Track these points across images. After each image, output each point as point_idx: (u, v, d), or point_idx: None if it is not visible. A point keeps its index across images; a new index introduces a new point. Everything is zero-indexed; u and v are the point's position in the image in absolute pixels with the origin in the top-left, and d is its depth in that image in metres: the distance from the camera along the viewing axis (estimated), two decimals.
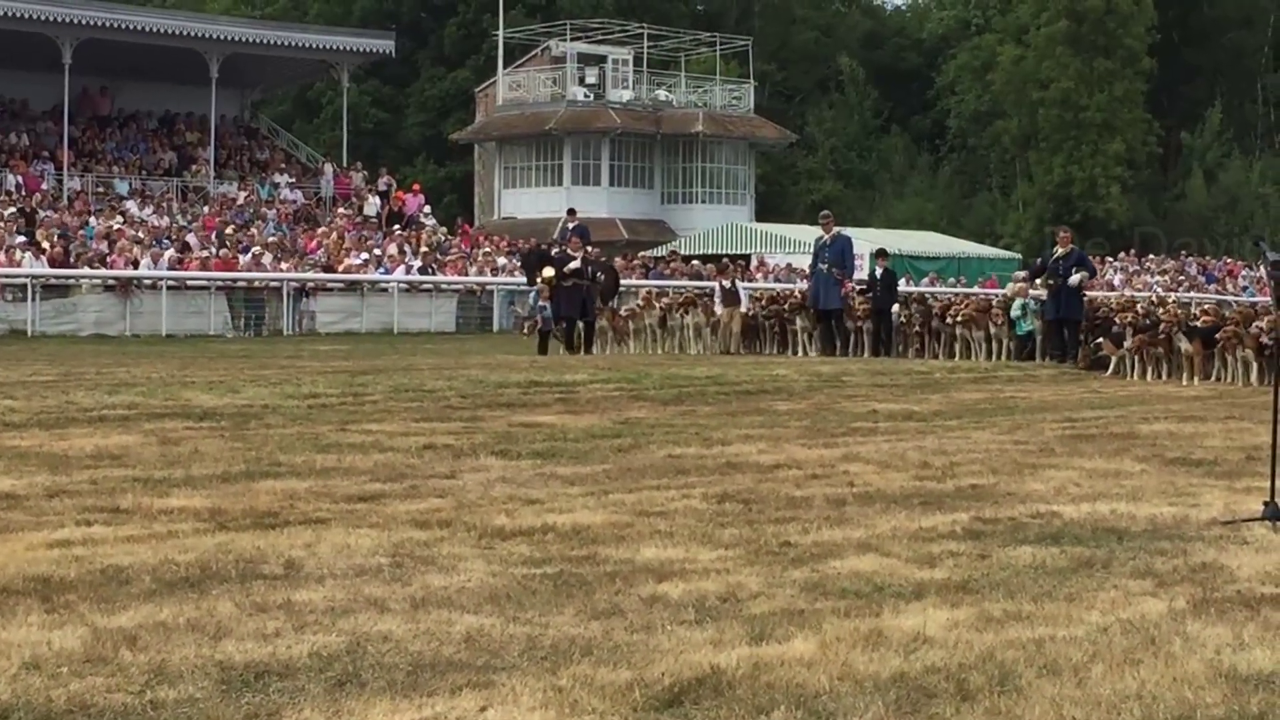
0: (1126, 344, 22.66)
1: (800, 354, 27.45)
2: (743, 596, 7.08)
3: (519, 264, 35.19)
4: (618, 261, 42.39)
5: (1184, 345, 21.84)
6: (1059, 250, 25.68)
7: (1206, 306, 34.23)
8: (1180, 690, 5.55)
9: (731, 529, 8.83)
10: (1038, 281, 26.61)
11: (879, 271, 28.14)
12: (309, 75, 58.92)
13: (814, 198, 71.50)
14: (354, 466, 11.27)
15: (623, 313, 30.21)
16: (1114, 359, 23.00)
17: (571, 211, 34.52)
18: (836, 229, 28.63)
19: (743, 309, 28.95)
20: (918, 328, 27.48)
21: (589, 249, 29.94)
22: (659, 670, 5.76)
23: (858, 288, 28.44)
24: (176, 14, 54.97)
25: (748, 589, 7.23)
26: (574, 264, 27.68)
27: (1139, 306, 28.13)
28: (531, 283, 34.13)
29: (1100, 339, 23.63)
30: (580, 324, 28.09)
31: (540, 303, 27.83)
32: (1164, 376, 22.18)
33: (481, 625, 6.47)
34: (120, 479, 10.43)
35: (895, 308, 27.66)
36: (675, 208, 64.43)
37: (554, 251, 29.66)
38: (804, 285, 31.12)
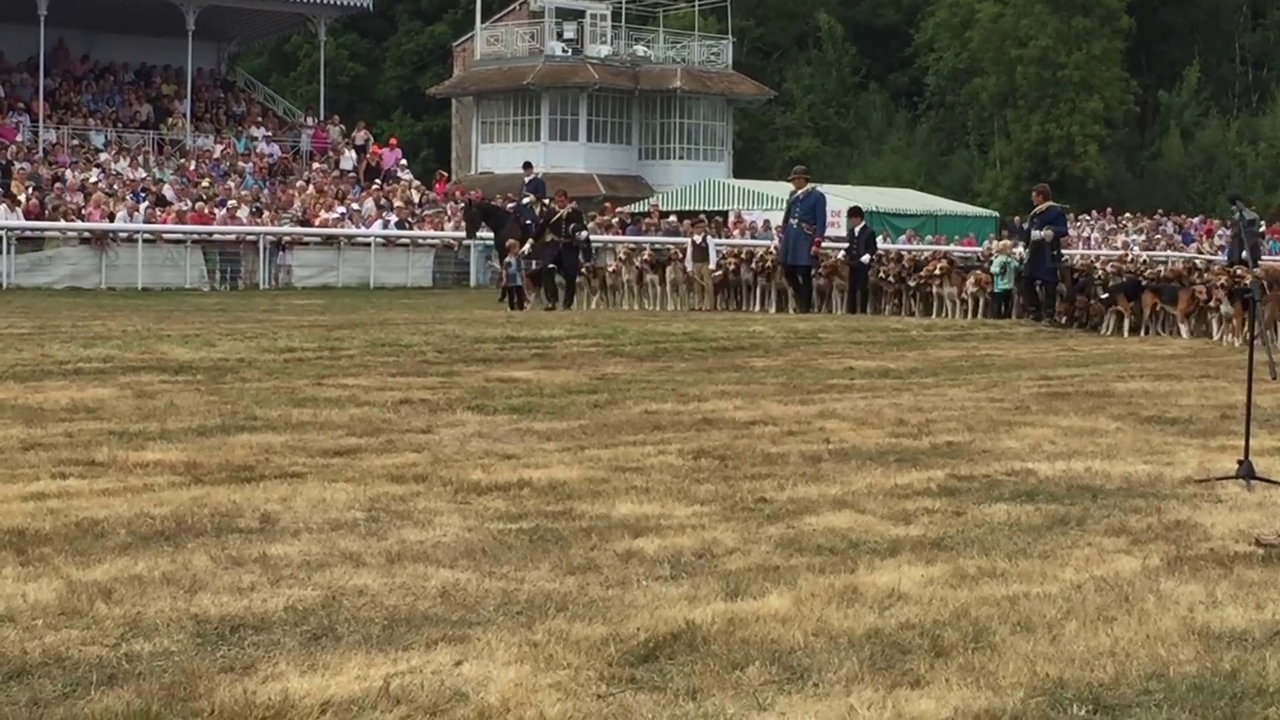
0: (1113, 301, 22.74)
1: (772, 310, 27.44)
2: (718, 552, 7.09)
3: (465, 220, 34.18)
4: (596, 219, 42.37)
5: (1224, 308, 21.69)
6: (1037, 208, 25.61)
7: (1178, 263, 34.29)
8: (1153, 647, 5.57)
9: (707, 485, 8.84)
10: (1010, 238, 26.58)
11: (856, 229, 28.03)
12: (286, 28, 58.54)
13: (791, 154, 71.11)
14: (330, 421, 11.26)
15: (610, 267, 30.23)
16: (1108, 317, 23.02)
17: (528, 165, 34.56)
18: (810, 184, 28.43)
19: (711, 265, 28.89)
20: (894, 285, 27.44)
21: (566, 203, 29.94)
22: (634, 625, 5.77)
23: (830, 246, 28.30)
24: None
25: (723, 545, 7.24)
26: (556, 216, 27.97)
27: (1110, 266, 28.15)
28: (471, 238, 34.18)
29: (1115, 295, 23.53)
30: (559, 278, 28.17)
31: (508, 259, 27.95)
32: (1144, 334, 22.30)
33: (457, 580, 6.47)
34: (95, 432, 10.41)
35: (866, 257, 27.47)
36: (653, 164, 64.25)
37: (510, 207, 29.85)
38: (777, 242, 31.06)
